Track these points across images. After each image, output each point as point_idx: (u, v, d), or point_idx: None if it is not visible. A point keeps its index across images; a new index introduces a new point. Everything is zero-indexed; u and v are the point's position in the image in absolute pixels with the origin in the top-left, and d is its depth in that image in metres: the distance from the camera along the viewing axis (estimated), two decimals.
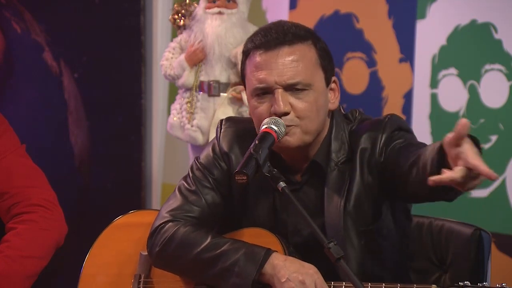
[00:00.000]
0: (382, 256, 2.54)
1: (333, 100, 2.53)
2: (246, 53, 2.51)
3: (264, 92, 2.45)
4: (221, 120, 2.66)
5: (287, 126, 2.42)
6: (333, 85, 2.53)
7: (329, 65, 2.52)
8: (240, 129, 2.61)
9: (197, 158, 2.64)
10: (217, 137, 2.62)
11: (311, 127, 2.46)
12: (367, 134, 2.50)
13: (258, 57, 2.46)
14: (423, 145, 2.46)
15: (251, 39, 2.50)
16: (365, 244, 2.50)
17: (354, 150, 2.50)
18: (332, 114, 2.55)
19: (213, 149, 2.61)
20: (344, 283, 2.39)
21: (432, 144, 2.28)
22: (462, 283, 2.27)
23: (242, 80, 2.57)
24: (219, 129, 2.64)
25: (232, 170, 2.56)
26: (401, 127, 2.52)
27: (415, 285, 2.35)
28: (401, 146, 2.46)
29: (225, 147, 2.59)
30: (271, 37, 2.45)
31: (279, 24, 2.50)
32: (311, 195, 2.53)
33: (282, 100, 2.42)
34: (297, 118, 2.43)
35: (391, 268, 2.55)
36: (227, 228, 2.57)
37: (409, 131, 2.54)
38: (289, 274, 2.35)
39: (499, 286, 2.23)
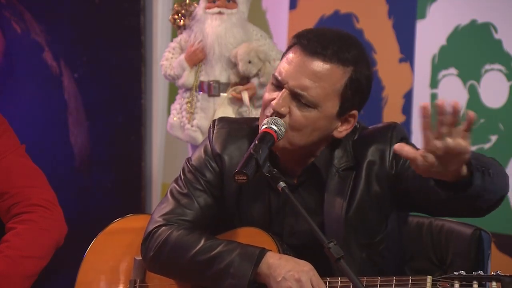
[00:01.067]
0: (384, 268, 2.53)
1: (341, 130, 2.48)
2: (292, 41, 2.48)
3: (277, 84, 2.45)
4: (214, 121, 2.64)
5: None
6: (349, 118, 2.48)
7: (354, 99, 2.45)
8: (233, 130, 2.59)
9: (188, 160, 2.62)
10: (210, 138, 2.60)
11: (297, 141, 2.44)
12: (374, 147, 2.48)
13: (293, 53, 2.45)
14: None
15: (304, 33, 2.47)
16: (367, 257, 2.50)
17: (359, 161, 2.49)
18: None
19: (205, 151, 2.60)
20: (339, 278, 2.38)
21: None
22: (457, 273, 2.27)
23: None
24: (211, 129, 2.61)
25: (224, 172, 2.56)
26: (404, 137, 2.52)
27: (410, 277, 2.35)
28: None
29: (217, 148, 2.57)
30: (314, 43, 2.41)
31: (332, 35, 2.46)
32: (306, 198, 2.52)
33: (283, 100, 2.41)
34: (288, 125, 2.42)
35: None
36: (221, 229, 2.56)
37: (410, 140, 2.55)
38: (284, 272, 2.35)
39: (494, 273, 2.23)
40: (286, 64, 2.43)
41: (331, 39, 2.43)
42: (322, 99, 2.41)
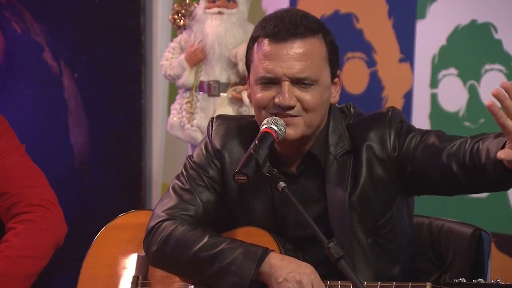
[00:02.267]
0: (394, 253, 2.54)
1: (334, 94, 2.54)
2: (255, 39, 2.48)
3: (270, 82, 2.44)
4: (212, 118, 2.65)
5: (293, 116, 2.42)
6: (336, 80, 2.53)
7: (336, 60, 2.52)
8: (232, 126, 2.60)
9: (190, 157, 2.62)
10: (209, 135, 2.61)
11: (314, 121, 2.46)
12: (373, 131, 2.49)
13: (268, 46, 2.44)
14: (437, 134, 2.46)
15: (262, 26, 2.47)
16: (373, 242, 2.50)
17: (357, 145, 2.49)
18: (330, 107, 2.54)
19: (206, 148, 2.60)
20: (340, 282, 2.39)
21: (481, 138, 2.34)
22: (457, 280, 2.27)
23: (247, 65, 2.54)
24: (210, 126, 2.62)
25: (225, 167, 2.56)
26: (402, 119, 2.53)
27: (410, 283, 2.35)
28: (420, 140, 2.46)
29: (217, 144, 2.58)
30: (283, 28, 2.43)
31: (291, 14, 2.47)
32: (307, 187, 2.52)
33: (289, 93, 2.41)
34: (303, 110, 2.43)
35: (401, 264, 2.55)
36: (224, 225, 2.56)
37: (409, 123, 2.56)
38: (286, 274, 2.35)
39: (494, 282, 2.23)
40: (269, 60, 2.43)
41: (293, 18, 2.45)
42: (319, 72, 2.45)
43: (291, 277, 2.35)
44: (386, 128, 2.49)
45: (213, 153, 2.58)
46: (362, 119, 2.54)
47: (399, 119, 2.52)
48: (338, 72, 2.53)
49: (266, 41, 2.44)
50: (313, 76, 2.43)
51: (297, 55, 2.42)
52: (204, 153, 2.60)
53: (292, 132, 2.43)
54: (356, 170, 2.48)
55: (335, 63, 2.51)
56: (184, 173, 2.60)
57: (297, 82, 2.42)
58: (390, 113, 2.51)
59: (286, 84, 2.42)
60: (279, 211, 2.55)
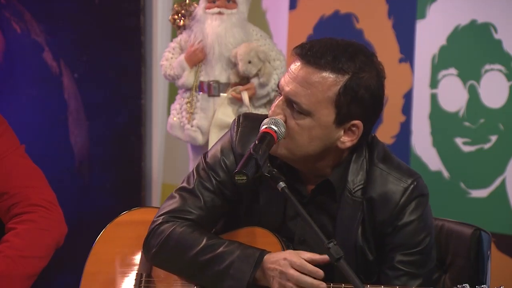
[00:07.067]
0: None
1: (344, 141, 2.42)
2: (292, 53, 2.46)
3: (279, 91, 2.45)
4: (239, 117, 2.60)
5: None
6: (353, 129, 2.41)
7: (351, 108, 2.38)
8: (257, 130, 2.50)
9: (205, 157, 2.59)
10: (232, 136, 2.56)
11: (295, 150, 2.42)
12: (384, 193, 2.45)
13: (293, 63, 2.43)
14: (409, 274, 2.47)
15: (301, 44, 2.44)
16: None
17: (368, 190, 2.47)
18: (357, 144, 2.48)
19: (222, 150, 2.57)
20: (343, 284, 2.38)
21: None
22: (460, 286, 2.28)
23: None
24: (235, 126, 2.57)
25: None
26: (420, 194, 2.47)
27: None
28: (398, 245, 2.47)
29: (239, 149, 2.53)
30: (311, 52, 2.39)
31: (332, 44, 2.42)
32: (319, 214, 2.50)
33: (277, 107, 2.41)
34: (285, 133, 2.40)
35: None
36: (229, 227, 2.56)
37: (427, 197, 2.51)
38: (275, 273, 2.37)
39: None
40: (287, 74, 2.43)
41: (328, 49, 2.40)
42: (314, 107, 2.38)
43: (276, 273, 2.36)
44: (396, 200, 2.45)
45: (234, 157, 2.54)
46: (383, 174, 2.48)
47: (417, 194, 2.46)
48: (356, 122, 2.40)
49: (295, 58, 2.44)
50: (305, 105, 2.38)
51: (301, 79, 2.38)
52: (219, 155, 2.56)
53: (275, 148, 2.41)
54: (364, 218, 2.46)
55: (346, 109, 2.38)
56: (195, 174, 2.57)
57: (289, 103, 2.40)
58: (412, 188, 2.46)
59: (280, 99, 2.42)
60: (287, 225, 2.53)
